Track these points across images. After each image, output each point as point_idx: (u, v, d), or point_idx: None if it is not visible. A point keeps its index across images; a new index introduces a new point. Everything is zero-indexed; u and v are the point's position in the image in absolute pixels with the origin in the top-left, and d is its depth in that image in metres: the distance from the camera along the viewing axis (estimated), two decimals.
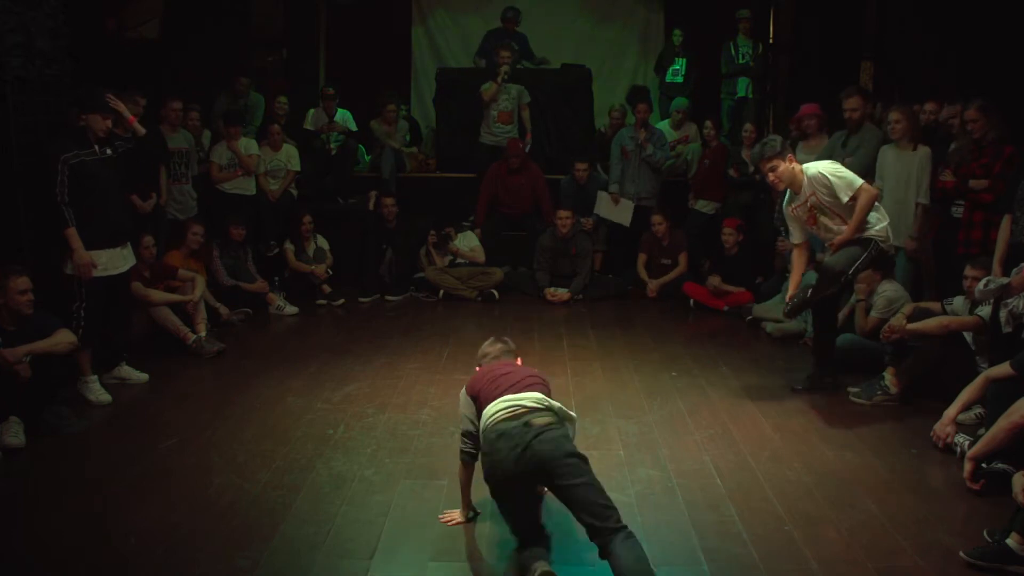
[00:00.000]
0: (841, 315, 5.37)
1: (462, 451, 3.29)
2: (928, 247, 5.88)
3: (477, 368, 3.51)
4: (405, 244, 7.55)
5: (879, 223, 4.62)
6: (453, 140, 8.69)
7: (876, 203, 4.62)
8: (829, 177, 4.56)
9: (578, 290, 7.39)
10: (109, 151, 4.77)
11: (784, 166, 4.69)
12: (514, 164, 7.83)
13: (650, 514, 3.50)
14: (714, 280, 7.01)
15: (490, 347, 3.56)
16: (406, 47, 10.66)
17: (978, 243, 5.14)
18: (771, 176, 4.76)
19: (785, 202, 4.92)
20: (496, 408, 3.07)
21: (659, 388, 5.07)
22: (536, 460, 2.90)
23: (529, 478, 2.97)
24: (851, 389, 4.90)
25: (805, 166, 4.72)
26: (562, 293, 7.34)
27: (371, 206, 7.78)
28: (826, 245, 4.85)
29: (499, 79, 8.05)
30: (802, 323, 5.97)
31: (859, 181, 4.56)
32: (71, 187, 4.58)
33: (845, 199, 4.53)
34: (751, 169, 7.51)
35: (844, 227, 4.62)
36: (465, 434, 3.28)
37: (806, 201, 4.71)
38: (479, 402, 3.22)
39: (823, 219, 4.72)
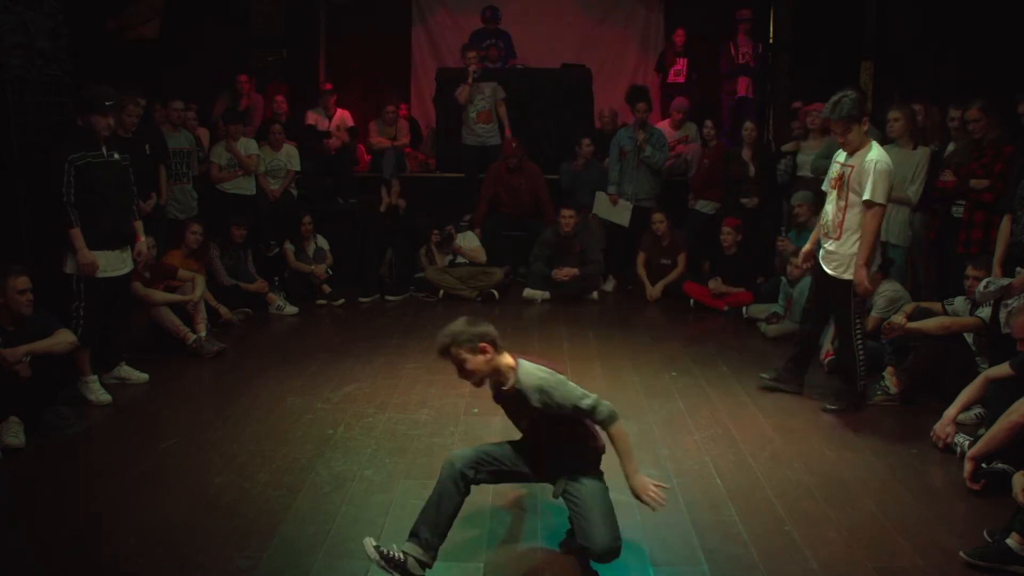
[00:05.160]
0: None
1: (610, 410, 2.98)
2: (926, 247, 5.89)
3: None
4: (405, 244, 7.55)
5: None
6: (453, 140, 8.69)
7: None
8: (872, 173, 4.36)
9: (590, 275, 7.34)
10: (117, 155, 4.78)
11: (856, 130, 4.44)
12: (511, 164, 7.83)
13: (650, 514, 3.48)
14: (714, 283, 6.99)
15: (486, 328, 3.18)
16: (406, 47, 10.67)
17: (978, 243, 5.14)
18: (840, 138, 4.50)
19: (836, 154, 4.70)
20: None
21: (659, 388, 5.07)
22: None
23: None
24: None
25: (874, 146, 4.48)
26: (569, 269, 7.30)
27: (382, 208, 7.78)
28: (822, 236, 4.69)
29: (469, 80, 8.05)
30: (795, 323, 5.94)
31: (882, 198, 4.36)
32: (76, 188, 4.59)
33: (863, 197, 4.38)
34: (750, 169, 7.50)
35: (839, 216, 4.49)
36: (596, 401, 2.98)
37: (843, 170, 4.53)
38: None
39: (836, 195, 4.56)
